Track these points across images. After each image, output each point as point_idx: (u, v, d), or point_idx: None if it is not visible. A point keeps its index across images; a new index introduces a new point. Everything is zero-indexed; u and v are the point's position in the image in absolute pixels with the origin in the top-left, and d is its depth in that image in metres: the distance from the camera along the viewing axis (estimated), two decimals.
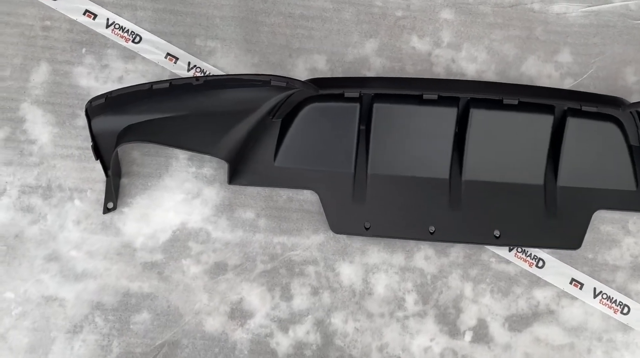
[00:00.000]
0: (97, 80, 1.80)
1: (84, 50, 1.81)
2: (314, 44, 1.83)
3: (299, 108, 1.71)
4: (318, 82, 1.68)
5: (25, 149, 1.77)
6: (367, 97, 1.69)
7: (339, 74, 1.81)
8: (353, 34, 1.84)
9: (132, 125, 1.64)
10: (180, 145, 1.65)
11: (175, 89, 1.56)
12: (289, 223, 1.74)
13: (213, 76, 1.69)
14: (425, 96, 1.65)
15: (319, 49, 1.83)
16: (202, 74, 1.77)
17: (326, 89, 1.67)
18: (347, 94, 1.66)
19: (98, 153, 1.66)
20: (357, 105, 1.69)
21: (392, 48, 1.83)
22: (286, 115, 1.74)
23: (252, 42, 1.83)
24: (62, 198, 1.74)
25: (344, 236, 1.73)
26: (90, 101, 1.58)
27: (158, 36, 1.82)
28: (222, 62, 1.81)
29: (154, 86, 1.54)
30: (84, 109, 1.63)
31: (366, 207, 1.72)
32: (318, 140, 1.73)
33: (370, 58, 1.82)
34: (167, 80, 1.56)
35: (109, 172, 1.69)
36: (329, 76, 1.80)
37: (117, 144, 1.63)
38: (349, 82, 1.75)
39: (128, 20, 1.82)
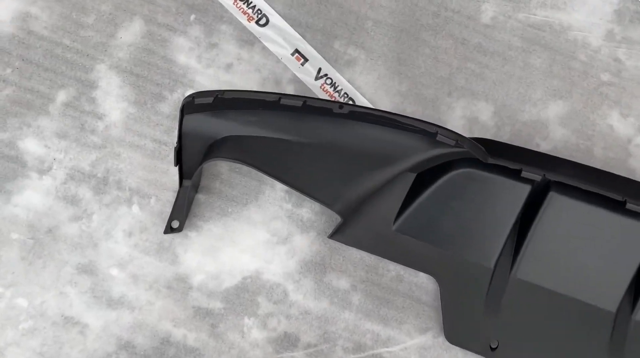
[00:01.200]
0: (200, 60, 1.39)
1: (192, 17, 1.41)
2: (483, 86, 1.39)
3: (448, 168, 1.28)
4: (480, 143, 1.25)
5: (88, 124, 1.38)
6: (542, 180, 1.26)
7: (505, 134, 1.38)
8: (537, 88, 1.40)
9: (232, 137, 1.23)
10: (287, 180, 1.24)
11: (307, 110, 1.15)
12: (390, 309, 1.33)
13: (361, 107, 1.27)
14: (629, 206, 1.21)
15: (489, 95, 1.39)
16: (343, 99, 1.35)
17: (493, 155, 1.24)
18: (525, 174, 1.23)
19: (180, 158, 1.26)
20: (529, 187, 1.25)
21: (583, 120, 1.38)
22: (426, 170, 1.32)
23: (405, 64, 1.40)
24: (118, 199, 1.36)
25: (459, 349, 1.31)
26: (193, 97, 1.18)
27: (290, 24, 1.41)
28: (361, 79, 1.39)
29: (282, 100, 1.13)
30: (180, 104, 1.24)
31: (498, 321, 1.30)
32: (459, 215, 1.30)
33: (551, 125, 1.38)
34: (300, 96, 1.14)
35: (186, 183, 1.29)
36: (491, 133, 1.37)
37: (206, 156, 1.23)
38: (525, 155, 1.31)
39: None
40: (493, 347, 1.30)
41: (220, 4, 1.40)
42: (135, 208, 1.36)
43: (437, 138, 1.14)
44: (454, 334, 1.30)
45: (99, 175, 1.37)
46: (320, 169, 1.22)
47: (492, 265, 1.31)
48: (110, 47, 1.39)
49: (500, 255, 1.31)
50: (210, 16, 1.40)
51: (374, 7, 1.42)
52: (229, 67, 1.39)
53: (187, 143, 1.26)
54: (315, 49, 1.39)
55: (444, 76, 1.40)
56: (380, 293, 1.33)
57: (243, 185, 1.37)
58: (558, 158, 1.36)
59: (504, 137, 1.38)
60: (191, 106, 1.20)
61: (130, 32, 1.40)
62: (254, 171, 1.36)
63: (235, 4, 1.40)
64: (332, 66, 1.39)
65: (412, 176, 1.34)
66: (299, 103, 1.13)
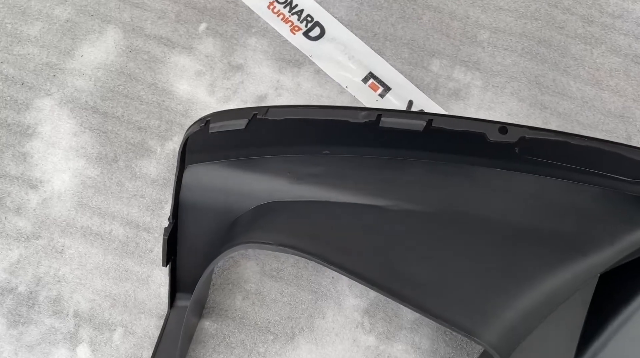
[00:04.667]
0: (213, 91, 0.82)
1: (203, 26, 0.86)
2: None
3: None
4: None
5: (11, 197, 0.79)
6: None
7: None
8: None
9: (275, 206, 0.65)
10: (385, 283, 0.62)
11: (429, 140, 0.58)
12: None
13: (546, 131, 0.60)
14: None
15: None
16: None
17: None
18: None
19: (175, 251, 0.67)
20: None
21: None
22: (622, 267, 0.73)
23: (549, 92, 0.87)
24: (53, 332, 0.73)
25: None
26: (207, 121, 0.59)
27: (359, 36, 0.88)
28: (472, 112, 0.85)
29: (384, 120, 0.56)
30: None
31: None
32: None
33: None
34: (415, 113, 0.59)
35: (181, 301, 0.69)
36: None
37: (226, 245, 0.63)
38: None
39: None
40: None
41: (249, 8, 0.89)
42: (83, 351, 0.73)
43: None
44: None
45: (20, 289, 0.76)
46: (457, 265, 0.63)
47: None
48: (63, 72, 0.84)
49: None
50: (232, 25, 0.88)
51: (489, 10, 0.91)
52: (261, 100, 0.85)
53: (190, 220, 0.67)
54: (401, 72, 0.87)
55: (614, 111, 0.87)
56: None
57: (286, 301, 0.76)
58: None
59: None
60: (201, 144, 0.63)
61: (99, 49, 0.86)
62: (306, 274, 0.76)
63: (272, 7, 0.89)
64: (431, 98, 0.86)
65: (593, 279, 0.76)
66: (420, 125, 0.56)
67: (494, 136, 0.57)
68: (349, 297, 0.76)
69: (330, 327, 0.74)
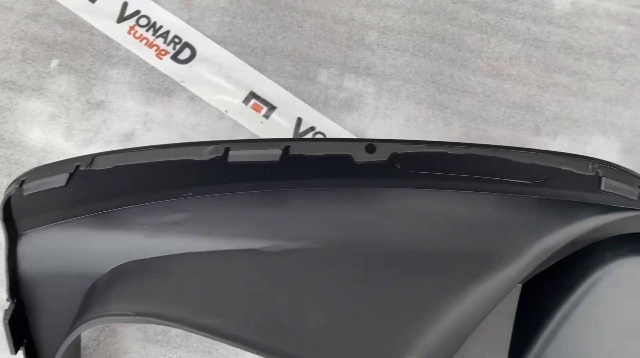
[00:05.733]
0: (70, 135, 0.72)
1: (55, 63, 0.75)
2: (612, 111, 0.79)
3: (590, 262, 0.63)
4: None
5: None
6: None
7: None
8: None
9: (132, 266, 0.55)
10: (271, 346, 0.53)
11: (294, 171, 0.50)
12: None
13: (417, 142, 0.53)
14: None
15: (614, 121, 0.79)
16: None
17: None
18: None
19: (26, 333, 0.56)
20: None
21: None
22: (539, 276, 0.66)
23: (448, 90, 0.80)
24: None
25: None
26: (22, 181, 0.50)
27: (235, 53, 0.79)
28: (374, 128, 0.76)
29: (232, 154, 0.48)
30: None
31: None
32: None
33: None
34: (274, 140, 0.49)
35: None
36: None
37: (80, 320, 0.53)
38: None
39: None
40: None
41: (106, 36, 0.79)
42: None
43: (603, 187, 0.50)
44: None
45: None
46: (357, 305, 0.54)
47: None
48: None
49: None
50: (88, 58, 0.77)
51: (375, 8, 0.84)
52: (128, 138, 0.75)
53: (38, 295, 0.56)
54: (286, 87, 0.78)
55: (519, 102, 0.80)
56: None
57: None
58: None
59: None
60: (36, 205, 0.52)
61: None
62: (195, 335, 0.66)
63: (133, 32, 0.80)
64: (321, 112, 0.78)
65: (514, 291, 0.69)
66: (275, 154, 0.48)
67: (360, 157, 0.49)
68: (246, 355, 0.66)
69: None
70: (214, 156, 0.48)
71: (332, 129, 0.76)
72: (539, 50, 0.81)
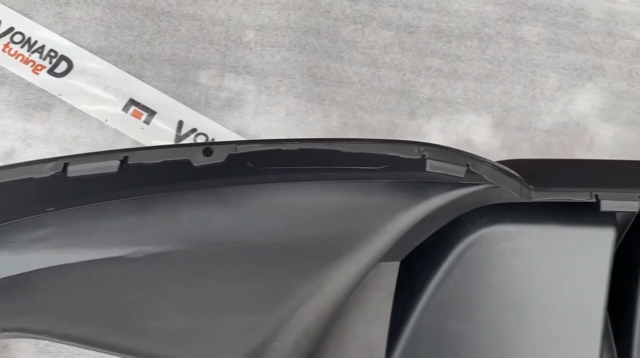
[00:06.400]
0: None
1: None
2: (464, 90, 0.82)
3: (458, 232, 0.67)
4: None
5: None
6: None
7: (524, 157, 0.80)
8: (549, 73, 0.85)
9: (5, 282, 0.56)
10: (138, 347, 0.55)
11: (131, 181, 0.52)
12: None
13: (250, 142, 0.55)
14: None
15: (477, 101, 0.82)
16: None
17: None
18: (604, 206, 0.63)
19: None
20: (613, 231, 0.65)
21: (637, 104, 0.84)
22: (414, 253, 0.70)
23: (325, 82, 0.82)
24: None
25: None
26: None
27: (113, 62, 0.80)
28: (258, 125, 0.78)
29: (72, 169, 0.49)
30: None
31: None
32: (500, 320, 0.68)
33: (590, 124, 0.82)
34: (108, 152, 0.51)
35: None
36: (501, 158, 0.78)
37: None
38: (577, 171, 0.73)
39: None
40: None
41: None
42: None
43: (428, 168, 0.53)
44: None
45: None
46: (207, 304, 0.56)
47: None
48: None
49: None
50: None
51: (251, 7, 0.86)
52: (8, 156, 0.75)
53: None
54: (165, 92, 0.80)
55: (394, 88, 0.84)
56: None
57: None
58: (624, 161, 0.79)
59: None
60: None
61: None
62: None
63: (7, 49, 0.79)
64: (203, 113, 0.79)
65: (391, 269, 0.72)
66: (113, 166, 0.50)
67: (199, 161, 0.51)
68: None
69: None
70: (53, 173, 0.50)
71: (214, 129, 0.78)
72: (412, 36, 0.85)
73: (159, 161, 0.51)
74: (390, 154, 0.53)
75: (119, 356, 0.55)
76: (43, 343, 0.68)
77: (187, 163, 0.51)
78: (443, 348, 0.69)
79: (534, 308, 0.68)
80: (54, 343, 0.68)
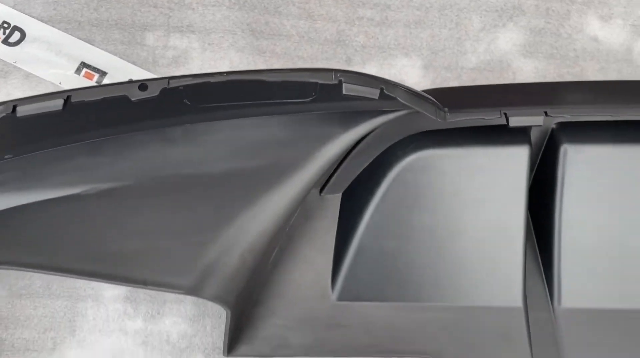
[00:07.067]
0: None
1: None
2: (395, 36, 0.89)
3: (387, 164, 0.74)
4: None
5: None
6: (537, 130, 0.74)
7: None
8: (472, 16, 0.92)
9: None
10: (107, 270, 0.62)
11: (79, 116, 0.57)
12: None
13: (183, 77, 0.61)
14: None
15: (407, 45, 0.88)
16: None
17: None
18: (512, 122, 0.70)
19: None
20: (527, 149, 0.72)
21: (553, 40, 0.91)
22: (354, 184, 0.77)
23: (264, 36, 0.87)
24: None
25: None
26: None
27: (63, 29, 0.84)
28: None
29: (20, 109, 0.55)
30: None
31: None
32: (435, 235, 0.75)
33: (514, 60, 0.89)
34: (55, 93, 0.57)
35: None
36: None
37: None
38: (491, 94, 0.80)
39: None
40: None
41: None
42: None
43: (344, 91, 0.59)
44: None
45: None
46: (158, 229, 0.63)
47: (520, 302, 0.74)
48: None
49: (525, 278, 0.75)
50: None
51: None
52: None
53: None
54: (115, 54, 0.85)
55: (330, 38, 0.89)
56: None
57: (41, 314, 0.73)
58: (537, 83, 0.85)
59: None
60: None
61: None
62: (56, 282, 0.74)
63: None
64: (151, 72, 0.85)
65: (333, 201, 0.79)
66: (58, 104, 0.55)
67: (135, 95, 0.57)
68: (107, 290, 0.74)
69: (93, 325, 0.73)
70: (4, 114, 0.55)
71: None
72: None
73: (99, 98, 0.56)
74: (310, 80, 0.59)
75: (83, 279, 0.60)
76: (15, 287, 0.73)
77: (125, 99, 0.57)
78: (382, 266, 0.76)
79: (462, 221, 0.75)
80: (26, 287, 0.73)
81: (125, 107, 0.58)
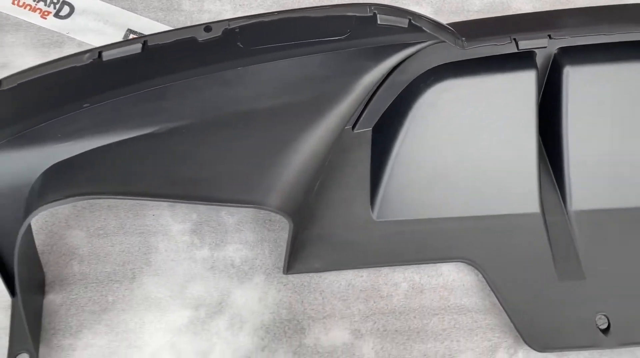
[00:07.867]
0: None
1: None
2: None
3: (411, 96, 0.83)
4: None
5: None
6: (542, 54, 0.83)
7: None
8: None
9: (61, 164, 0.71)
10: (181, 192, 0.71)
11: (157, 60, 0.67)
12: (426, 342, 0.80)
13: (248, 17, 0.68)
14: None
15: None
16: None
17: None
18: (521, 46, 0.79)
19: None
20: (534, 72, 0.82)
21: None
22: (382, 119, 0.86)
23: None
24: None
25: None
26: None
27: (106, 0, 0.95)
28: None
29: (106, 54, 0.64)
30: None
31: (590, 287, 0.82)
32: (461, 155, 0.85)
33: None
34: (134, 39, 0.66)
35: (17, 288, 0.73)
36: None
37: (27, 214, 0.69)
38: (498, 25, 0.89)
39: None
40: (603, 327, 0.80)
41: None
42: None
43: (379, 21, 0.68)
44: (539, 339, 0.79)
45: None
46: (230, 156, 0.72)
47: (538, 208, 0.84)
48: None
49: (541, 188, 0.85)
50: None
51: None
52: None
53: None
54: (157, 20, 0.93)
55: None
56: (400, 324, 0.81)
57: (118, 250, 0.83)
58: (538, 12, 0.95)
59: None
60: None
61: None
62: (128, 222, 0.83)
63: (17, 2, 0.92)
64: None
65: (365, 136, 0.88)
66: (137, 48, 0.64)
67: (202, 36, 0.66)
68: (174, 225, 0.84)
69: (166, 256, 0.82)
70: (92, 60, 0.64)
71: None
72: None
73: (172, 41, 0.65)
74: (349, 14, 0.68)
75: (166, 201, 0.69)
76: (93, 228, 0.82)
77: (193, 40, 0.66)
78: (414, 186, 0.86)
79: (482, 142, 0.85)
80: (103, 228, 0.82)
81: (191, 50, 0.67)
